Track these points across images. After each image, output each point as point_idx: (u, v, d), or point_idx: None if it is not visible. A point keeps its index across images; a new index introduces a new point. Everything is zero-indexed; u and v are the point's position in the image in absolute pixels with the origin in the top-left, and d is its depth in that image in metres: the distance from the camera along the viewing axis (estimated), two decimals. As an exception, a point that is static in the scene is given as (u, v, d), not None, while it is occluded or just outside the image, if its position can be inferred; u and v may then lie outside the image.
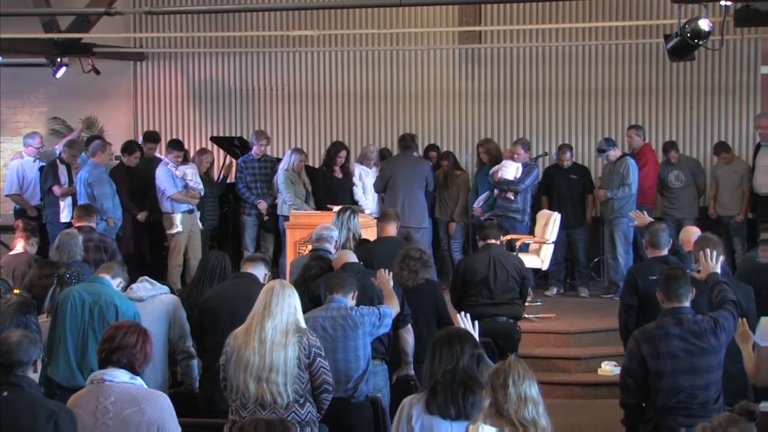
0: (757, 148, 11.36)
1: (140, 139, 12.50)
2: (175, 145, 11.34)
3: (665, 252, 7.29)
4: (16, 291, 6.91)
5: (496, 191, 11.21)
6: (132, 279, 6.94)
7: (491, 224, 8.80)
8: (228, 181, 12.27)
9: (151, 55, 14.17)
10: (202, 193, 11.26)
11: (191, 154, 12.25)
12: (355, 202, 11.03)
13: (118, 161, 11.61)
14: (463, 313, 5.37)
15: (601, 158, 11.57)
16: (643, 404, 5.54)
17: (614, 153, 11.24)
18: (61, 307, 6.35)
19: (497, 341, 7.79)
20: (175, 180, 11.01)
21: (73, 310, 6.30)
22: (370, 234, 8.96)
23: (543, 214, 10.97)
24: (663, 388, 5.43)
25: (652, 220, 8.23)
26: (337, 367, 5.96)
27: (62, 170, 11.05)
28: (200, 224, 11.35)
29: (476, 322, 5.16)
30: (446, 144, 13.00)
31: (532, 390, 4.15)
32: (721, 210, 11.55)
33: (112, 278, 6.52)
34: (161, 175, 11.04)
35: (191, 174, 11.13)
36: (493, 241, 8.42)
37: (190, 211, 11.16)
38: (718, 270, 6.05)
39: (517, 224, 11.00)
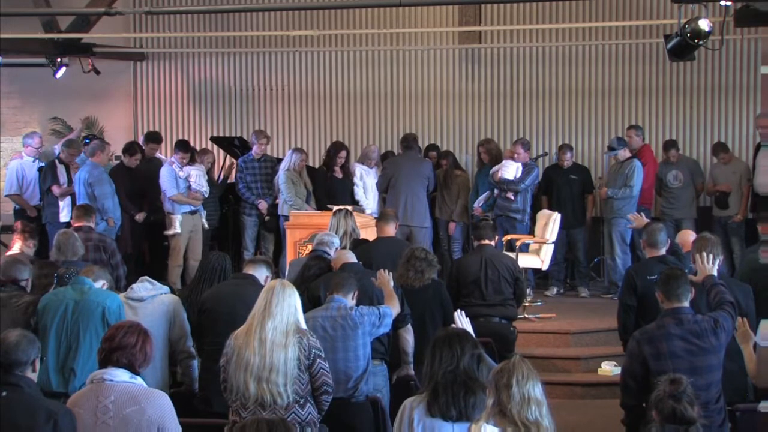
0: (758, 148, 11.35)
1: (141, 139, 12.49)
2: (181, 145, 11.31)
3: (663, 252, 7.28)
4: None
5: (496, 191, 11.22)
6: (132, 279, 6.92)
7: (485, 224, 8.77)
8: (228, 181, 12.27)
9: (151, 55, 14.16)
10: (206, 195, 11.24)
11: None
12: (356, 202, 11.04)
13: (118, 161, 11.61)
14: (459, 311, 5.38)
15: (609, 156, 11.57)
16: (644, 404, 5.53)
17: (623, 153, 11.25)
18: (46, 312, 6.35)
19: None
20: (177, 181, 11.00)
21: (60, 315, 6.30)
22: (370, 234, 8.95)
23: (543, 214, 10.96)
24: (664, 388, 5.42)
25: (649, 221, 8.22)
26: (336, 367, 5.96)
27: (61, 170, 11.03)
28: (206, 224, 11.34)
29: (468, 320, 5.18)
30: (446, 144, 13.00)
31: (536, 390, 4.15)
32: (720, 210, 11.55)
33: (93, 281, 6.52)
34: (164, 175, 11.03)
35: (195, 175, 11.10)
36: (487, 241, 8.41)
37: (194, 212, 11.15)
38: (715, 272, 6.05)
39: (517, 224, 11.00)
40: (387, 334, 6.57)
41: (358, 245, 8.13)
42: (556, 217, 10.67)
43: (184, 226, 11.06)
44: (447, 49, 13.11)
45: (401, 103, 13.46)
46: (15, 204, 11.75)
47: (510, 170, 11.04)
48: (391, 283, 6.75)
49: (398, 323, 6.74)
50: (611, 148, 11.39)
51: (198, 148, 12.67)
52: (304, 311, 5.69)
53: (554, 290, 11.59)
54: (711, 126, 12.52)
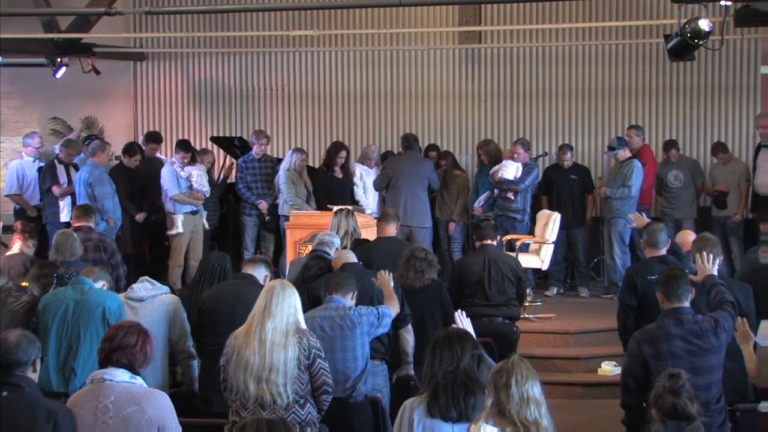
0: (758, 148, 11.35)
1: (141, 139, 12.48)
2: (182, 145, 11.31)
3: (663, 252, 7.28)
4: (24, 284, 6.93)
5: (496, 191, 11.22)
6: (132, 279, 6.91)
7: (487, 224, 8.76)
8: (228, 181, 12.27)
9: (151, 55, 14.17)
10: (207, 195, 11.24)
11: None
12: (356, 202, 11.04)
13: (117, 161, 11.61)
14: (459, 311, 5.37)
15: (609, 156, 11.57)
16: (644, 404, 5.53)
17: (623, 153, 11.25)
18: (46, 312, 6.35)
19: (494, 342, 7.77)
20: (179, 180, 11.00)
21: (61, 315, 6.31)
22: (370, 234, 8.95)
23: (543, 214, 10.96)
24: (664, 388, 5.42)
25: (650, 221, 8.23)
26: (335, 367, 5.94)
27: (61, 170, 11.03)
28: (206, 225, 11.35)
29: (469, 320, 5.18)
30: (446, 144, 13.01)
31: (535, 390, 4.15)
32: (719, 210, 11.55)
33: (94, 282, 6.53)
34: (165, 175, 11.03)
35: (197, 175, 11.11)
36: (489, 241, 8.40)
37: (194, 212, 11.15)
38: (715, 272, 6.05)
39: (517, 224, 11.00)
40: (387, 334, 6.57)
41: (358, 245, 8.13)
42: (556, 217, 10.67)
43: (186, 226, 11.06)
44: (447, 49, 13.11)
45: (401, 103, 13.46)
46: (15, 204, 11.76)
47: (510, 170, 11.04)
48: (392, 284, 6.74)
49: (398, 323, 6.74)
50: (611, 148, 11.40)
51: (198, 148, 12.66)
52: (305, 311, 5.68)
53: (554, 290, 11.59)
54: (711, 126, 12.53)
